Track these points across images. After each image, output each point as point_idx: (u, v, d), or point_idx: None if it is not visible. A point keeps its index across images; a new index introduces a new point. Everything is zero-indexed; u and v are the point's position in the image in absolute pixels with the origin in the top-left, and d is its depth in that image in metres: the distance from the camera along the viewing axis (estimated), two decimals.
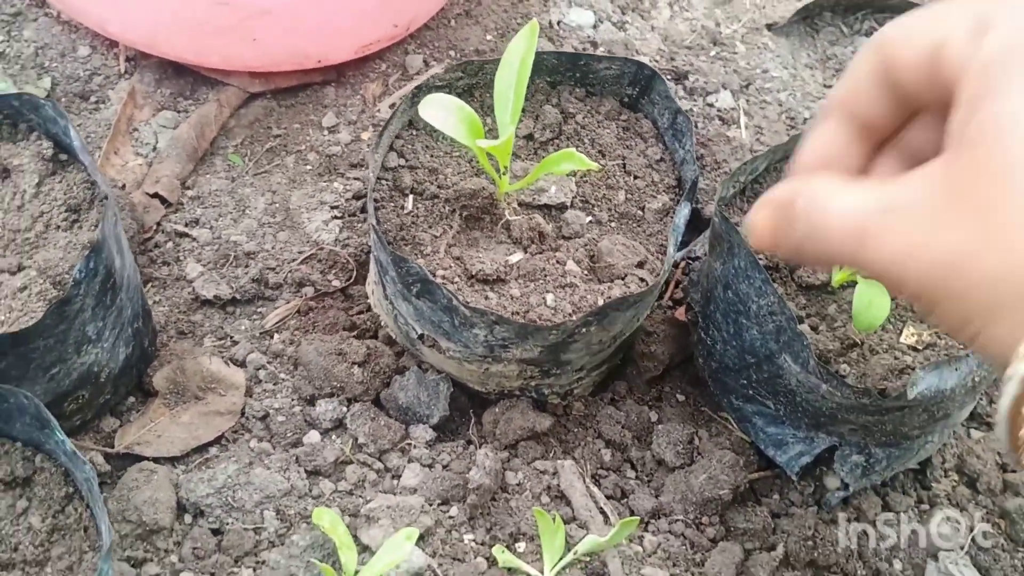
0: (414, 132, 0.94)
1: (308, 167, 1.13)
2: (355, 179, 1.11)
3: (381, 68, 1.23)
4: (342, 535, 0.76)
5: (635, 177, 0.94)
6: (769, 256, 0.91)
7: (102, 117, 1.15)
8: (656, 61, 1.26)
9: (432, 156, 0.93)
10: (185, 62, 1.16)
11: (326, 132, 1.17)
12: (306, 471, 0.88)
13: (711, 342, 0.93)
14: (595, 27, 1.29)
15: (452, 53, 1.25)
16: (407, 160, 0.92)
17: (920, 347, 0.87)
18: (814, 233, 0.46)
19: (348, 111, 1.19)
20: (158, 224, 1.07)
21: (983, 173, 0.40)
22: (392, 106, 1.19)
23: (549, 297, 0.84)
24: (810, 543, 0.90)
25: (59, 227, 0.83)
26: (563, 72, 0.98)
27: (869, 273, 0.45)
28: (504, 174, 0.85)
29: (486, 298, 0.84)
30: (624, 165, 0.95)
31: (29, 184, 0.84)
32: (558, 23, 1.28)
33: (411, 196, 0.89)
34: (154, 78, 1.19)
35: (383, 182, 0.90)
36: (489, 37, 1.27)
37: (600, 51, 1.26)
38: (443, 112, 0.82)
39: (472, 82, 0.95)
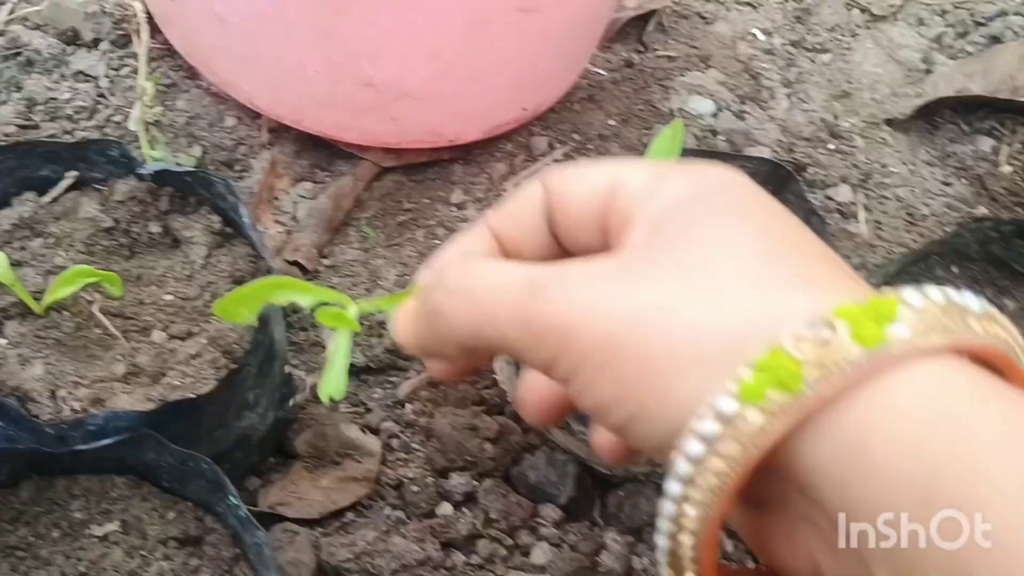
0: None
1: (437, 241, 1.18)
2: None
3: (507, 148, 1.28)
4: None
5: None
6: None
7: (245, 185, 1.21)
8: (776, 152, 1.29)
9: None
10: (326, 136, 1.23)
11: (454, 208, 1.22)
12: (440, 542, 0.92)
13: None
14: (715, 115, 1.33)
15: (576, 136, 1.30)
16: None
17: None
18: (471, 284, 0.41)
19: (475, 189, 1.24)
20: None
21: (683, 248, 0.39)
22: (517, 186, 1.24)
23: None
24: None
25: None
26: None
27: (531, 339, 0.40)
28: None
29: None
30: None
31: (198, 255, 0.90)
32: (679, 110, 1.33)
33: None
34: (294, 149, 1.25)
35: None
36: (612, 122, 1.32)
37: (720, 139, 1.29)
38: None
39: None
